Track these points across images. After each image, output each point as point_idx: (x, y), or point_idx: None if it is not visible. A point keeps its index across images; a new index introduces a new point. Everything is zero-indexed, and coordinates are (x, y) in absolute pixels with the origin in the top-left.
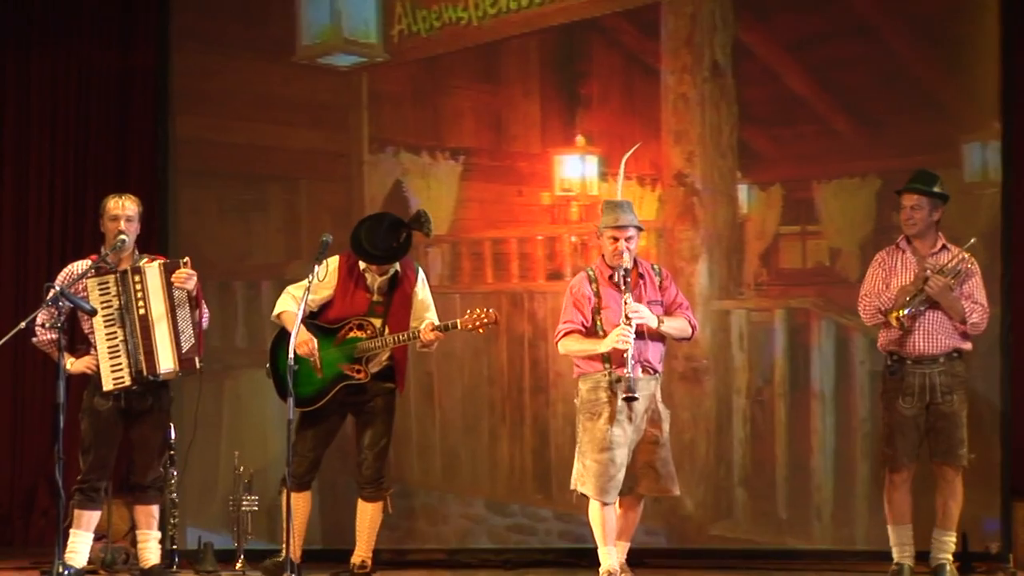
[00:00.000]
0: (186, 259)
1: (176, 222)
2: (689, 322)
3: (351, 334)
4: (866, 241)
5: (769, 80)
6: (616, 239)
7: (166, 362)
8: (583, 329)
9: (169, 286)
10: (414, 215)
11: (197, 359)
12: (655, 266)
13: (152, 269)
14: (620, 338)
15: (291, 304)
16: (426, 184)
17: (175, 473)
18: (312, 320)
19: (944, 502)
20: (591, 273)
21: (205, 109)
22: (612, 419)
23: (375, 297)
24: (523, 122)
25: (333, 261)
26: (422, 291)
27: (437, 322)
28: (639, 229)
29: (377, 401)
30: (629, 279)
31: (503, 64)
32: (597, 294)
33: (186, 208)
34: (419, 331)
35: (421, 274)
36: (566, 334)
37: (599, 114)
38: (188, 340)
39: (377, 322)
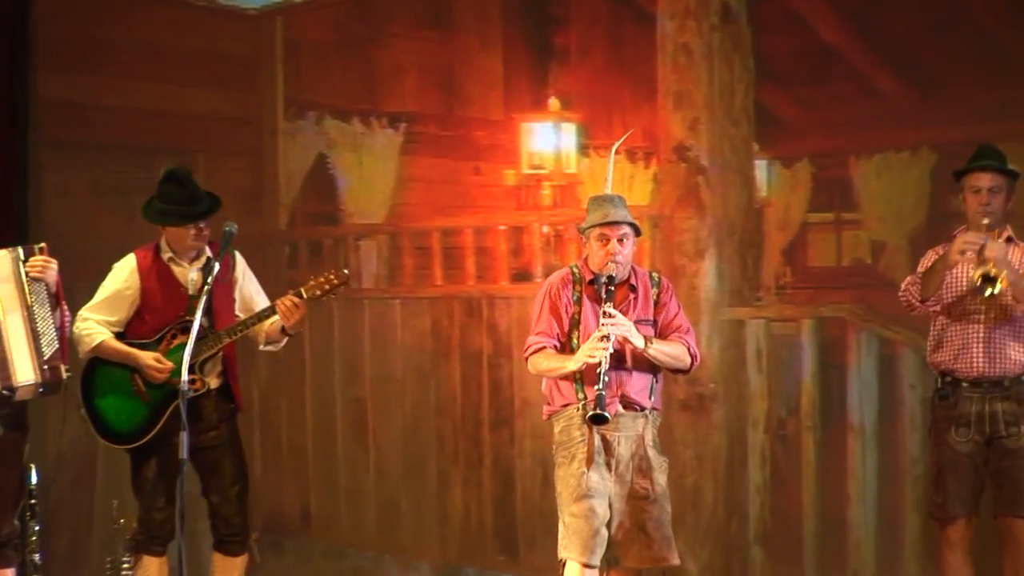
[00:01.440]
0: (42, 244)
1: (39, 207)
2: (688, 350)
3: (176, 341)
4: (917, 232)
5: (794, 27)
6: (606, 239)
7: (24, 371)
8: (559, 344)
9: (22, 278)
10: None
11: (63, 367)
12: (653, 274)
13: (2, 258)
14: (590, 350)
15: (104, 330)
16: (358, 159)
17: (37, 527)
18: (123, 341)
19: (1013, 566)
20: (575, 271)
21: (75, 64)
22: (589, 461)
23: (192, 292)
24: (481, 80)
25: (126, 264)
26: (243, 278)
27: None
28: (635, 230)
29: (222, 429)
30: (613, 288)
31: (455, 6)
32: (578, 302)
33: (51, 189)
34: (275, 306)
35: (240, 259)
36: (537, 350)
37: (578, 71)
38: (50, 344)
39: (203, 321)
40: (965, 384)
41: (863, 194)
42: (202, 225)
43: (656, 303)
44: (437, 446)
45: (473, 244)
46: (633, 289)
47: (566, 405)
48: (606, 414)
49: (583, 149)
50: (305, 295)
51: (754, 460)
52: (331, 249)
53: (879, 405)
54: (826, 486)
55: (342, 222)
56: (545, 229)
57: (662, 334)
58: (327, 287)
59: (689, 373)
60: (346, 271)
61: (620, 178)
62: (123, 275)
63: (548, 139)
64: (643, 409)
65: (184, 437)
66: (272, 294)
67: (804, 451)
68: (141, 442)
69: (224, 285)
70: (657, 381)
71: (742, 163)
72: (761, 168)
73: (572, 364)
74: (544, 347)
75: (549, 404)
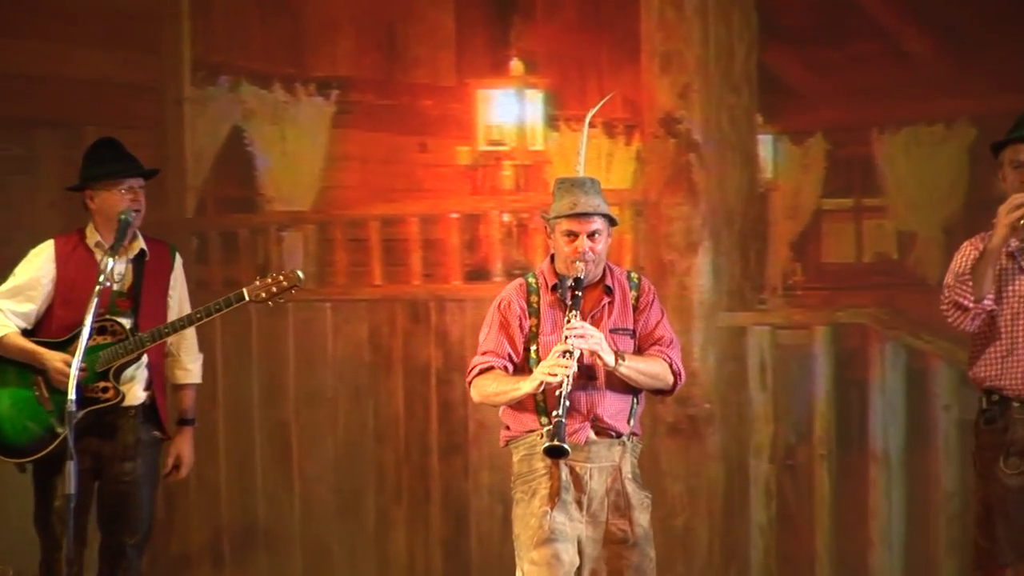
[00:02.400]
0: None
1: None
2: (671, 367)
3: (91, 342)
4: (953, 221)
5: None
6: (574, 235)
7: None
8: (509, 365)
9: None
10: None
11: None
12: (632, 275)
13: None
14: (549, 368)
15: (8, 323)
16: (280, 133)
17: None
18: (30, 338)
19: None
20: (531, 281)
21: None
22: (553, 498)
23: (116, 287)
24: (429, 39)
25: (42, 249)
26: (179, 284)
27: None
28: (610, 221)
29: (138, 464)
30: (580, 292)
31: None
32: (536, 313)
33: None
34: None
35: (179, 260)
36: (482, 371)
37: (545, 28)
38: None
39: (126, 323)
40: (1016, 404)
41: (888, 175)
42: (138, 189)
43: (635, 308)
44: (376, 479)
45: (419, 235)
46: (608, 291)
47: (529, 431)
48: (565, 446)
49: (551, 121)
50: (248, 297)
51: (757, 495)
52: (248, 242)
53: (907, 429)
54: (843, 526)
55: (261, 209)
56: (506, 217)
57: (641, 346)
58: (275, 290)
59: (672, 394)
60: (300, 273)
61: (595, 156)
62: (38, 261)
63: (509, 109)
64: (620, 435)
65: (71, 468)
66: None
67: (817, 484)
68: (38, 456)
69: (156, 283)
70: (638, 402)
71: (743, 138)
72: (766, 144)
73: (528, 385)
74: (492, 367)
75: (507, 428)
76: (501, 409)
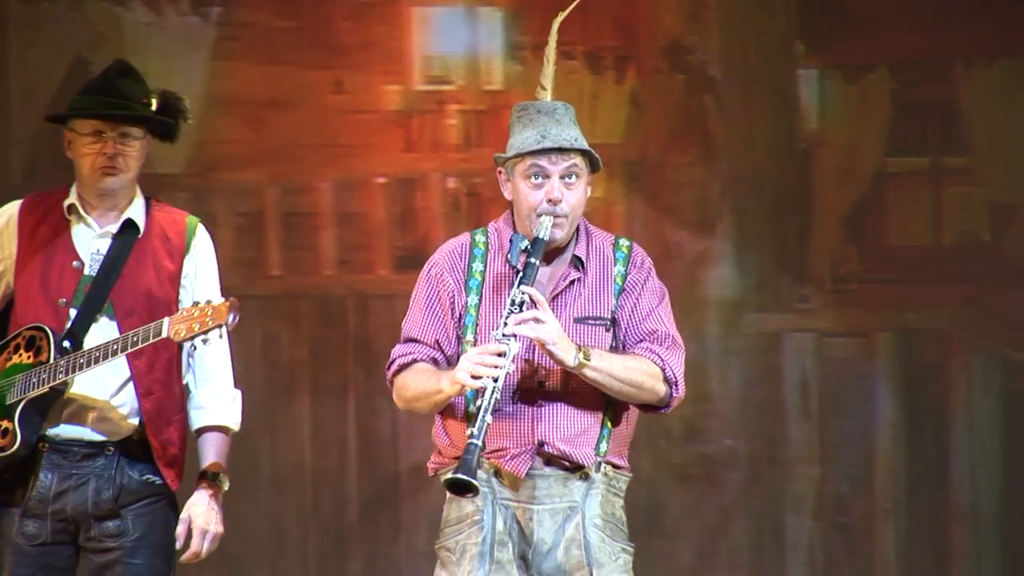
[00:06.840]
0: None
1: None
2: (664, 372)
3: (18, 358)
4: None
5: None
6: (541, 176)
7: None
8: (439, 356)
9: None
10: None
11: None
12: (621, 241)
13: None
14: (473, 364)
15: None
16: (142, 64)
17: None
18: None
19: None
20: (479, 241)
21: None
22: (488, 560)
23: (87, 271)
24: None
25: (7, 211)
26: (201, 276)
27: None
28: (591, 163)
29: (126, 520)
30: (536, 260)
31: None
32: (477, 289)
33: None
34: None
35: (202, 241)
36: (402, 368)
37: None
38: None
39: (52, 337)
40: None
41: (977, 126)
42: (116, 139)
43: (621, 290)
44: (273, 543)
45: (333, 208)
46: (579, 264)
47: (459, 457)
48: (469, 480)
49: (514, 51)
50: (167, 332)
51: (797, 560)
52: None
53: (1004, 473)
54: None
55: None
56: (452, 183)
57: (625, 343)
58: (197, 328)
59: (668, 410)
60: (228, 299)
61: (575, 98)
62: None
63: (456, 35)
64: (576, 468)
65: None
66: None
67: (879, 547)
68: None
69: (146, 271)
70: (613, 422)
71: (778, 75)
72: (809, 83)
73: (446, 384)
74: (415, 360)
75: (438, 453)
76: (435, 427)
